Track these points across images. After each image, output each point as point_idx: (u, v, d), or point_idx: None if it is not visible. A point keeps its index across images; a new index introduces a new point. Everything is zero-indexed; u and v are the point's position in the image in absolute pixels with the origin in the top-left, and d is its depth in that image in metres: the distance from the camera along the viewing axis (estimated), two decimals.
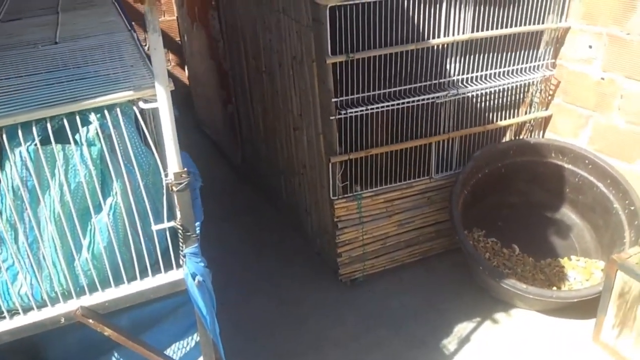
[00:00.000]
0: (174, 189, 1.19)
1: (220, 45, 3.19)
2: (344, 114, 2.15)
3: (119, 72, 1.25)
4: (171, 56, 4.04)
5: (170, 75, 3.86)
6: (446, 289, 2.43)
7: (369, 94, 2.18)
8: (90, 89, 1.12)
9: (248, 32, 2.79)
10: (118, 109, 1.09)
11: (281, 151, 2.78)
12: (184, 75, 4.11)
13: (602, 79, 2.26)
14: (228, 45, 3.14)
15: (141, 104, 1.15)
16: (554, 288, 2.28)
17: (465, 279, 2.44)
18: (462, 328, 2.22)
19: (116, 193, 1.13)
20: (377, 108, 2.19)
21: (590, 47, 2.29)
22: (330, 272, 2.53)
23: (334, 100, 2.12)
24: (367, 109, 2.17)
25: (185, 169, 1.21)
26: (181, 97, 4.06)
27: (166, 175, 1.20)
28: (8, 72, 1.24)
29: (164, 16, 3.91)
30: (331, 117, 2.15)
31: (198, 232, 1.27)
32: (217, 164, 3.68)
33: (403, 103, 2.22)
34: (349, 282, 2.49)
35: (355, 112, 2.16)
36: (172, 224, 1.22)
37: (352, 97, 2.16)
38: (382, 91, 2.20)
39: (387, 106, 2.20)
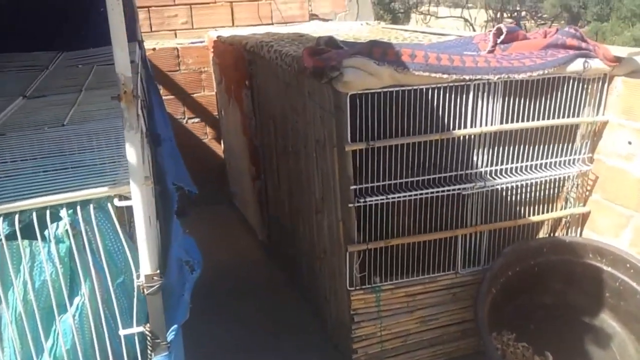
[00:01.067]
0: (145, 291, 1.12)
1: (252, 123, 3.22)
2: (363, 202, 2.06)
3: (107, 163, 1.21)
4: (208, 129, 4.10)
5: (207, 149, 3.96)
6: None
7: (390, 182, 2.09)
8: (68, 181, 1.08)
9: (277, 112, 2.80)
10: (92, 206, 1.04)
11: (304, 232, 2.71)
12: (219, 149, 4.15)
13: None
14: (259, 123, 3.16)
15: (116, 201, 1.10)
16: None
17: None
18: None
19: (83, 293, 1.06)
20: (399, 197, 2.09)
21: (630, 143, 2.15)
22: None
23: (352, 187, 2.04)
24: (387, 198, 2.07)
25: (158, 271, 1.13)
26: (216, 171, 4.09)
27: (138, 277, 1.13)
28: (4, 156, 1.22)
29: (204, 91, 4.01)
30: (350, 205, 2.07)
31: (171, 338, 1.18)
32: (244, 237, 3.65)
33: (426, 193, 2.12)
34: None
35: (375, 200, 2.07)
36: (140, 328, 1.13)
37: (373, 184, 2.08)
38: (404, 180, 2.11)
39: (409, 196, 2.10)
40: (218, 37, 3.57)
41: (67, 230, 1.00)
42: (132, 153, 1.09)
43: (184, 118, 4.03)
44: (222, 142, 4.11)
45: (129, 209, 1.19)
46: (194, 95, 4.01)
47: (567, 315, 2.32)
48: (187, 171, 2.42)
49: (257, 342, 2.60)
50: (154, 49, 3.85)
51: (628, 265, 2.16)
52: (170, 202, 2.00)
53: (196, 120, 4.07)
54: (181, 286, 1.30)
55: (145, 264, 1.13)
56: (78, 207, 1.03)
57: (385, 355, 2.30)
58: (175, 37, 4.13)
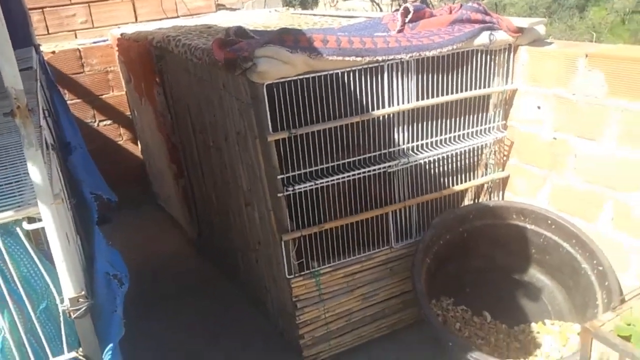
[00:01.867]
0: (72, 315, 1.05)
1: (168, 120, 3.10)
2: (292, 190, 2.04)
3: (12, 182, 1.12)
4: (122, 130, 3.93)
5: (123, 151, 3.78)
6: None
7: (317, 168, 2.08)
8: None
9: (193, 107, 2.71)
10: None
11: (235, 226, 2.66)
12: (137, 149, 3.99)
13: (554, 138, 2.21)
14: (176, 120, 3.05)
15: (25, 225, 1.02)
16: (531, 356, 2.16)
17: (438, 350, 2.29)
18: None
19: (2, 327, 0.98)
20: (327, 182, 2.09)
21: (539, 107, 2.25)
22: (295, 353, 2.37)
23: (280, 177, 2.02)
24: (315, 184, 2.07)
25: (83, 291, 1.07)
26: (135, 172, 3.94)
27: (62, 301, 1.06)
28: None
29: (113, 91, 3.83)
30: (279, 194, 2.04)
31: (108, 359, 1.12)
32: (173, 238, 3.56)
33: (353, 175, 2.13)
34: None
35: (304, 187, 2.06)
36: (73, 354, 1.07)
37: (300, 172, 2.06)
38: (331, 164, 2.11)
39: (337, 179, 2.10)
40: (122, 34, 3.41)
41: None
42: (36, 172, 1.01)
43: (95, 121, 3.84)
44: (138, 142, 3.95)
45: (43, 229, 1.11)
46: (103, 96, 3.82)
47: (499, 275, 2.42)
48: (103, 178, 2.31)
49: (199, 342, 2.56)
50: (53, 52, 3.62)
51: (549, 221, 2.27)
52: (90, 212, 1.89)
53: (108, 122, 3.88)
54: (111, 301, 1.23)
55: (68, 287, 1.05)
56: None
57: (332, 337, 2.32)
58: (76, 37, 3.90)
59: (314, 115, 2.01)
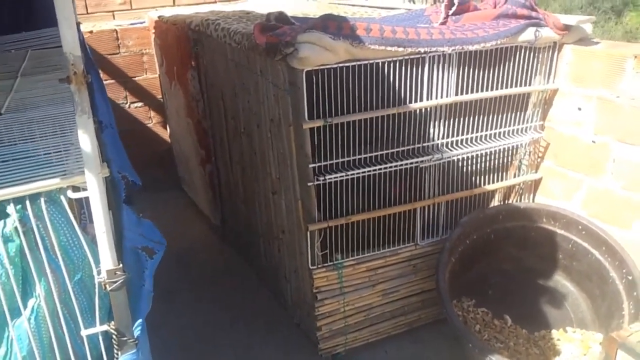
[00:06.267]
0: (107, 287, 1.05)
1: (200, 105, 3.12)
2: (322, 180, 2.03)
3: (54, 153, 1.13)
4: (152, 113, 3.96)
5: (152, 133, 3.81)
6: None
7: (349, 159, 2.07)
8: (12, 174, 1.00)
9: (227, 93, 2.72)
10: (42, 199, 0.96)
11: (260, 214, 2.66)
12: (165, 133, 4.01)
13: (594, 142, 2.17)
14: (207, 105, 3.07)
15: (69, 193, 1.02)
16: None
17: (456, 351, 2.28)
18: None
19: (39, 295, 0.99)
20: (358, 174, 2.08)
21: (579, 109, 2.21)
22: (311, 345, 2.36)
23: (311, 166, 2.01)
24: (346, 175, 2.06)
25: (120, 264, 1.06)
26: (161, 156, 3.96)
27: (99, 273, 1.06)
28: None
29: (146, 74, 3.85)
30: (309, 183, 2.04)
31: (138, 334, 1.12)
32: (196, 224, 3.56)
33: (385, 168, 2.11)
34: (330, 358, 2.32)
35: (335, 178, 2.05)
36: (105, 327, 1.07)
37: (332, 162, 2.05)
38: (362, 156, 2.09)
39: (368, 171, 2.09)
40: (159, 17, 3.42)
41: (16, 228, 0.92)
42: (86, 140, 1.02)
43: (127, 103, 3.87)
44: (167, 126, 3.98)
45: (79, 201, 1.12)
46: (136, 78, 3.85)
47: (523, 279, 2.39)
48: (129, 161, 2.32)
49: (217, 330, 2.56)
50: (90, 32, 3.65)
51: (580, 227, 2.23)
52: (118, 191, 1.91)
53: (139, 104, 3.91)
54: (140, 275, 1.23)
55: (107, 259, 1.06)
56: (27, 202, 0.95)
57: (349, 330, 2.31)
58: (114, 18, 3.93)
59: (350, 104, 2.00)
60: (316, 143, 2.02)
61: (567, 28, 2.16)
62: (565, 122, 2.29)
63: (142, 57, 3.80)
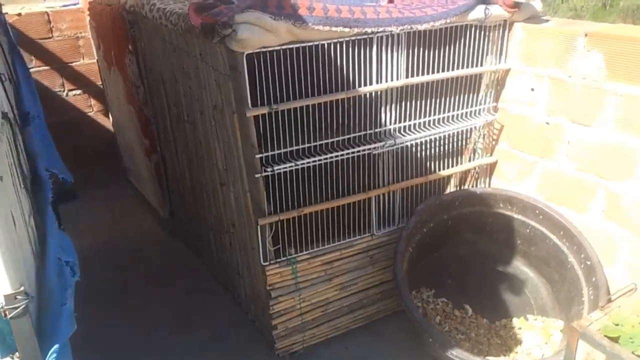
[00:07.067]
0: (7, 314, 0.90)
1: (141, 91, 2.92)
2: (271, 171, 1.90)
3: None
4: (93, 102, 3.72)
5: (93, 123, 3.58)
6: (397, 356, 2.19)
7: (298, 147, 1.95)
8: None
9: (168, 78, 2.54)
10: None
11: (209, 206, 2.52)
12: (108, 122, 3.79)
13: (547, 123, 2.11)
14: (149, 91, 2.88)
15: None
16: (512, 353, 2.08)
17: (416, 343, 2.21)
18: None
19: None
20: (308, 163, 1.95)
21: (532, 89, 2.14)
22: (267, 343, 2.26)
23: (258, 156, 1.88)
24: (296, 165, 1.93)
25: (21, 287, 0.91)
26: (106, 146, 3.75)
27: None
28: None
29: (83, 59, 3.61)
30: (256, 175, 1.90)
31: None
32: (144, 217, 3.39)
33: (337, 156, 2.00)
34: (287, 357, 2.22)
35: (284, 168, 1.92)
36: None
37: (280, 151, 1.93)
38: (312, 144, 1.97)
39: (319, 160, 1.97)
40: None
41: None
42: None
43: (64, 90, 3.62)
44: (109, 114, 3.75)
45: None
46: (73, 64, 3.60)
47: (482, 266, 2.33)
48: (59, 154, 2.14)
49: (165, 330, 2.42)
50: (19, 15, 3.38)
51: (537, 211, 2.18)
52: (43, 191, 1.73)
53: (78, 92, 3.67)
54: (62, 292, 1.08)
55: (4, 281, 0.90)
56: None
57: (306, 327, 2.21)
58: (44, 0, 3.66)
59: (296, 90, 1.87)
60: (262, 131, 1.88)
61: (516, 5, 2.08)
62: (518, 103, 2.22)
63: (78, 41, 3.56)
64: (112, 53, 3.08)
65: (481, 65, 2.19)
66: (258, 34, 1.68)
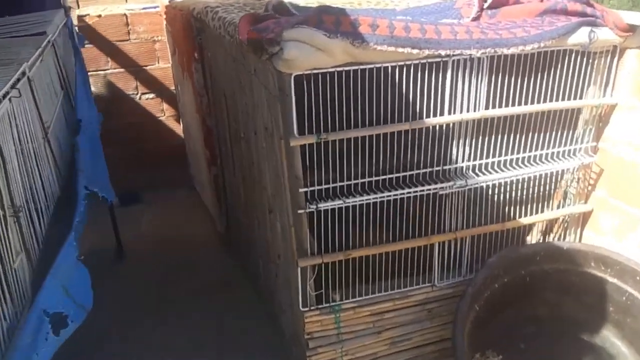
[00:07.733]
0: None
1: (205, 101, 2.80)
2: (315, 208, 1.67)
3: None
4: (165, 106, 3.67)
5: (164, 128, 3.52)
6: None
7: (349, 182, 1.70)
8: None
9: (229, 91, 2.39)
10: None
11: (259, 230, 2.33)
12: (178, 127, 3.74)
13: None
14: (212, 101, 2.75)
15: None
16: None
17: None
18: None
19: None
20: (360, 201, 1.70)
21: None
22: None
23: (302, 190, 1.65)
24: (345, 202, 1.69)
25: None
26: (175, 152, 3.70)
27: None
28: None
29: (159, 63, 3.57)
30: (299, 211, 1.68)
31: None
32: (201, 227, 3.30)
33: (394, 195, 1.73)
34: None
35: (331, 205, 1.68)
36: None
37: (328, 186, 1.69)
38: (367, 179, 1.72)
39: (373, 199, 1.71)
40: (170, 1, 3.12)
41: None
42: None
43: (137, 94, 3.60)
44: (180, 120, 3.69)
45: None
46: (148, 67, 3.56)
47: (564, 331, 1.98)
48: (107, 168, 2.02)
49: (200, 353, 2.28)
50: (99, 16, 3.39)
51: (638, 277, 1.80)
52: (73, 212, 1.59)
53: (151, 96, 3.63)
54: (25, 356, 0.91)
55: None
56: None
57: None
58: (126, 1, 3.65)
59: (351, 118, 1.63)
60: (309, 162, 1.66)
61: (631, 29, 1.71)
62: (624, 145, 1.85)
63: (154, 44, 3.52)
64: (184, 59, 2.99)
65: (581, 98, 1.85)
66: (308, 53, 1.46)
